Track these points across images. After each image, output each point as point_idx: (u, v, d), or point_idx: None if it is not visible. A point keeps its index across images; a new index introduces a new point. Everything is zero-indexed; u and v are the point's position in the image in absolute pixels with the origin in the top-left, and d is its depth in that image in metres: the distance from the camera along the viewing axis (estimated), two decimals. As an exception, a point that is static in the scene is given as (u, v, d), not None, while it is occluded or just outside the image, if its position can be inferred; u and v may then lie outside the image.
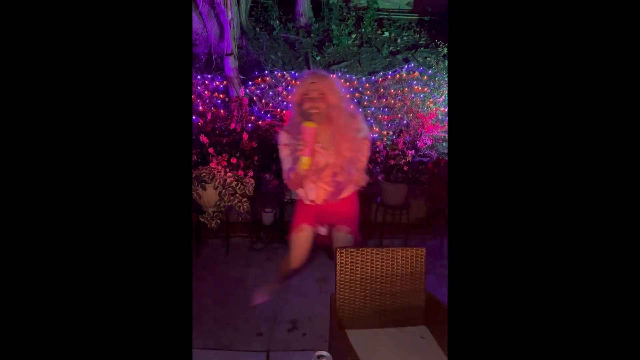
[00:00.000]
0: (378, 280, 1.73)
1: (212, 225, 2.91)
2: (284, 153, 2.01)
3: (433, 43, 5.03)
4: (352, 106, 2.17)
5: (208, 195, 2.92)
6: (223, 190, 2.87)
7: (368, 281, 1.73)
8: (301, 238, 2.18)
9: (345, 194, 2.10)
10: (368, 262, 1.72)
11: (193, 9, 4.59)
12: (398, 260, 1.74)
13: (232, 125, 3.30)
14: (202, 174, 2.85)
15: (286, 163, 2.02)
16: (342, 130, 1.95)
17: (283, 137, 2.01)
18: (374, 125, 4.16)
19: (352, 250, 1.70)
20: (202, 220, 2.93)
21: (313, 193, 2.07)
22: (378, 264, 1.73)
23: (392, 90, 4.31)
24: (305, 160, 1.82)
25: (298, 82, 2.08)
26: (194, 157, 2.92)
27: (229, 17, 4.19)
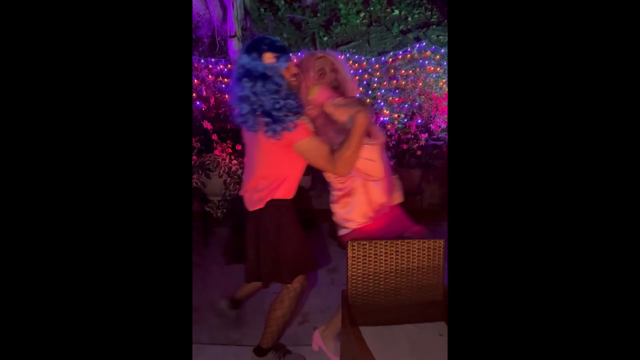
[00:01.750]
0: (393, 274, 1.62)
1: (218, 214, 2.82)
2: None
3: (446, 20, 4.79)
4: None
5: (213, 184, 2.82)
6: (228, 179, 2.77)
7: (382, 275, 1.61)
8: None
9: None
10: (382, 255, 1.60)
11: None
12: (414, 252, 1.62)
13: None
14: (206, 162, 2.75)
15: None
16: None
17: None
18: (384, 108, 4.00)
19: (364, 242, 1.58)
20: (208, 209, 2.84)
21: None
22: (392, 257, 1.61)
23: (403, 71, 4.13)
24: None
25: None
26: (198, 145, 2.82)
27: (232, -3, 4.03)
